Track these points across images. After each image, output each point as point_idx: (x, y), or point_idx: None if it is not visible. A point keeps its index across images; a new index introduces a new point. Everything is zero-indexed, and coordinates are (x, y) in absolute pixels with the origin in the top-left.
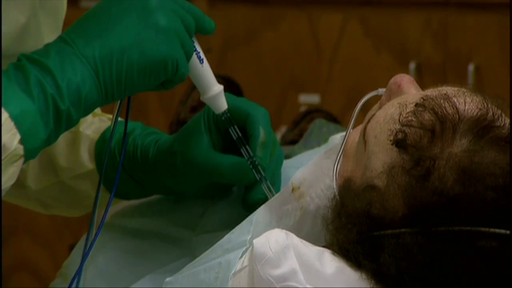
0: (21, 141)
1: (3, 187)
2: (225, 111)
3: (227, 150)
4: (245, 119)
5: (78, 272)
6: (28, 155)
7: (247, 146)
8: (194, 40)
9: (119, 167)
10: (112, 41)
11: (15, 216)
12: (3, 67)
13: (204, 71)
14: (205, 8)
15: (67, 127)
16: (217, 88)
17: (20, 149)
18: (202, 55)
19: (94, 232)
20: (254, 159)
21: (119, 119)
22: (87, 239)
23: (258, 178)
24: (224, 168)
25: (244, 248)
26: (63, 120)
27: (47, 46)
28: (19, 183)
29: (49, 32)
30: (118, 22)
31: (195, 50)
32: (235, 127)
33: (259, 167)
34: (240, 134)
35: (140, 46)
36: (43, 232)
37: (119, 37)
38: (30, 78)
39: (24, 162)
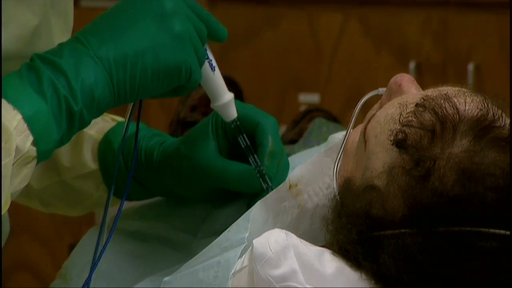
0: (34, 143)
1: (16, 189)
2: (234, 119)
3: (233, 156)
4: (254, 128)
5: (88, 280)
6: (41, 156)
7: (255, 155)
8: (207, 48)
9: (130, 174)
10: (127, 44)
11: (15, 215)
12: (16, 68)
13: (215, 79)
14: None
15: (80, 128)
16: (228, 96)
17: (33, 151)
18: (214, 63)
19: (105, 237)
20: (262, 168)
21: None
22: (97, 244)
23: (265, 187)
24: (231, 175)
25: (242, 246)
26: (76, 121)
27: (61, 45)
28: None
29: (59, 34)
30: (133, 25)
31: (207, 58)
32: (244, 135)
33: (266, 176)
34: (248, 143)
35: (154, 51)
36: (43, 232)
37: (134, 41)
38: (43, 78)
39: (36, 164)
